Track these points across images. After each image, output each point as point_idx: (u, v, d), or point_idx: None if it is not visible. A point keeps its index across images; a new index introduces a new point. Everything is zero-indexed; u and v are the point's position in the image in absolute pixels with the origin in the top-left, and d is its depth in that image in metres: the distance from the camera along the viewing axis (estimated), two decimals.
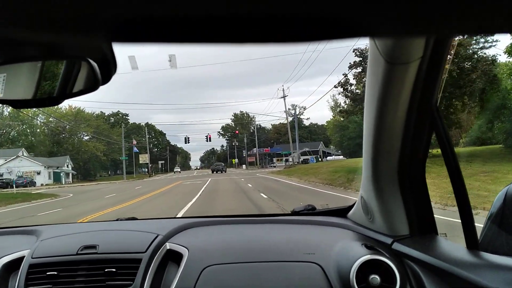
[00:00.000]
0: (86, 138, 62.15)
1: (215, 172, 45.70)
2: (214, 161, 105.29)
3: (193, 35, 0.33)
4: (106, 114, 77.38)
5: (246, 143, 77.17)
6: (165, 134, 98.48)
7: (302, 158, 53.93)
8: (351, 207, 1.90)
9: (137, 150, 64.20)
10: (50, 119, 55.75)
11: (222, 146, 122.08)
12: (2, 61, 0.71)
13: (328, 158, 46.85)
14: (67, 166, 51.18)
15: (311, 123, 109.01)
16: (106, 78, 0.67)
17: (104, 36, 0.33)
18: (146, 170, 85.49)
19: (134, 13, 0.30)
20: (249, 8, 0.29)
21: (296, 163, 44.03)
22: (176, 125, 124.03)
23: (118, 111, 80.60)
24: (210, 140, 47.22)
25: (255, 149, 72.28)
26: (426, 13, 0.30)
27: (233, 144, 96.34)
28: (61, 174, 47.36)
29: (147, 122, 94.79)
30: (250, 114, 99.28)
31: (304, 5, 0.29)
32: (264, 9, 0.30)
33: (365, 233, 1.64)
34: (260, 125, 72.06)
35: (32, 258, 1.56)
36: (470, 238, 1.19)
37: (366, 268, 1.34)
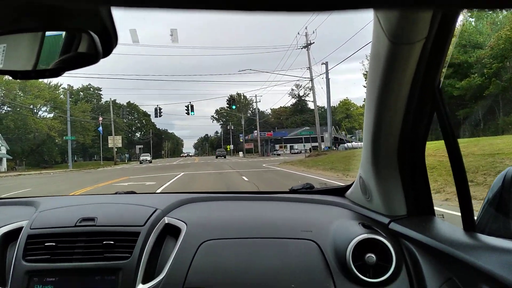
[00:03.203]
0: (46, 114, 45.18)
1: (218, 157, 57.43)
2: (207, 148, 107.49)
3: (195, 1, 0.32)
4: (74, 88, 59.65)
5: (243, 125, 60.24)
6: (149, 115, 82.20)
7: (311, 145, 48.77)
8: (349, 186, 1.99)
9: (102, 131, 55.18)
10: None
11: (217, 132, 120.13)
12: (2, 31, 0.71)
13: (347, 145, 32.28)
14: None
15: (317, 106, 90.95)
16: (107, 51, 0.67)
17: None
18: (128, 155, 67.13)
19: None
20: None
21: (327, 148, 28.03)
22: (167, 113, 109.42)
23: (89, 84, 63.74)
24: (192, 110, 38.10)
25: (254, 133, 55.57)
26: None
27: (228, 128, 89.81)
28: None
29: (129, 102, 77.20)
30: (248, 97, 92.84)
31: None
32: None
33: (363, 213, 1.75)
34: (258, 108, 56.90)
35: (30, 229, 1.66)
36: (467, 219, 1.27)
37: (363, 247, 1.44)
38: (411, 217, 1.52)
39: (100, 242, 1.57)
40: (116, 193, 2.28)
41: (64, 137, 44.50)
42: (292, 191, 2.18)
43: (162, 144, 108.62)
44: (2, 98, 47.47)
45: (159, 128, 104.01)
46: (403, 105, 1.33)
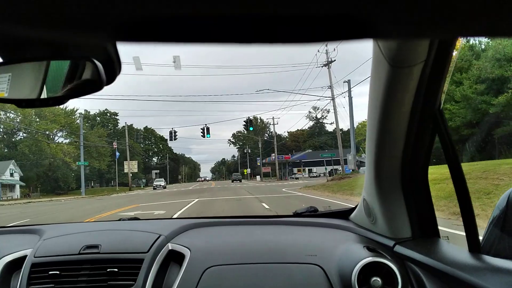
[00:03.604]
0: (62, 139, 44.83)
1: (234, 181, 59.95)
2: (224, 172, 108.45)
3: (197, 35, 0.33)
4: (90, 113, 59.52)
5: (260, 148, 58.92)
6: (166, 139, 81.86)
7: (330, 168, 47.30)
8: (353, 209, 1.99)
9: (117, 156, 54.43)
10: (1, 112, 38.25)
11: (233, 156, 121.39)
12: (8, 60, 0.74)
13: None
14: (11, 174, 33.47)
15: (335, 128, 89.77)
16: (110, 78, 0.69)
17: (108, 35, 0.33)
18: (144, 180, 66.09)
19: (138, 12, 0.30)
20: (254, 8, 0.30)
21: (350, 171, 26.50)
22: (184, 137, 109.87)
23: (106, 109, 63.59)
24: (208, 133, 36.71)
25: (272, 156, 54.05)
26: (430, 15, 0.31)
27: (245, 151, 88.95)
28: None
29: (146, 126, 76.99)
30: (264, 120, 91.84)
31: (308, 5, 0.30)
32: (269, 9, 0.30)
33: (367, 235, 1.74)
34: (276, 131, 55.99)
35: (34, 257, 1.68)
36: (472, 241, 1.28)
37: (368, 270, 1.44)
38: (416, 240, 1.53)
39: (104, 270, 1.59)
40: (120, 220, 2.29)
41: (77, 162, 43.61)
42: (296, 214, 2.20)
43: (179, 169, 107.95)
44: (18, 125, 47.15)
45: (176, 153, 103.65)
46: (404, 128, 1.35)
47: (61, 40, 0.52)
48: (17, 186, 42.11)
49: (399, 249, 1.51)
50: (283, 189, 26.33)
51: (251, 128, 35.70)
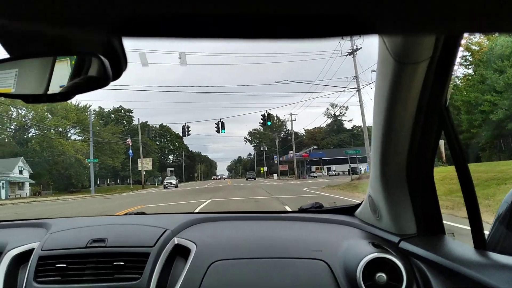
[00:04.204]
0: (75, 136, 43.70)
1: (249, 179, 62.73)
2: (240, 170, 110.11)
3: (202, 30, 0.33)
4: (104, 110, 58.59)
5: (278, 146, 56.98)
6: (182, 137, 79.98)
7: (351, 166, 44.02)
8: (358, 205, 2.00)
9: (132, 153, 52.13)
10: (12, 108, 37.08)
11: (250, 154, 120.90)
12: (15, 56, 0.76)
13: None
14: (20, 171, 32.04)
15: (354, 125, 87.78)
16: (116, 74, 0.70)
17: (113, 30, 0.33)
18: (160, 178, 64.91)
19: (144, 8, 0.30)
20: (258, 6, 0.30)
21: None
22: (200, 135, 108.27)
23: (120, 106, 62.48)
24: (223, 128, 33.81)
25: (290, 153, 51.70)
26: (435, 11, 0.30)
27: (262, 149, 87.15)
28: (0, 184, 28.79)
29: (162, 124, 75.83)
30: (280, 118, 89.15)
31: (309, 5, 0.30)
32: (272, 6, 0.30)
33: (372, 232, 1.76)
34: (293, 128, 53.75)
35: (41, 250, 1.70)
36: (478, 238, 1.29)
37: (373, 266, 1.45)
38: (421, 236, 1.53)
39: (111, 263, 1.61)
40: (126, 214, 2.33)
41: (87, 159, 41.97)
42: (301, 210, 2.22)
43: (195, 167, 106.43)
44: (29, 121, 45.84)
45: (191, 151, 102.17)
46: (410, 124, 1.36)
47: (67, 36, 0.55)
48: (27, 184, 40.84)
49: (404, 245, 1.52)
50: (304, 189, 25.03)
51: (268, 123, 33.25)
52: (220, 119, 33.31)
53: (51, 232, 1.84)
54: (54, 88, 0.78)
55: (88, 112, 52.69)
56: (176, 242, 1.74)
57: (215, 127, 33.94)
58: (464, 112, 26.11)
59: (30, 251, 1.71)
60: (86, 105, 55.23)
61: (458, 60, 1.22)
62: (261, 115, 32.41)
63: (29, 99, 0.82)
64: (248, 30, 0.33)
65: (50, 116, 48.04)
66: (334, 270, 1.50)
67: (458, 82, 26.55)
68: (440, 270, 1.29)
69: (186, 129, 38.11)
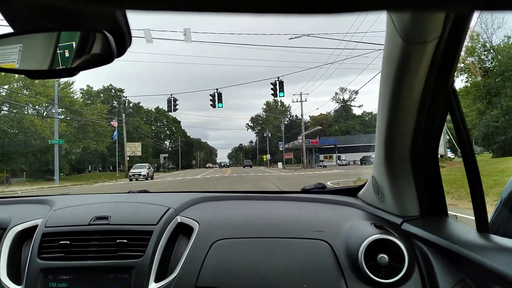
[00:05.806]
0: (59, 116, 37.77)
1: (245, 167, 68.80)
2: (241, 158, 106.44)
3: (207, 3, 0.32)
4: (93, 89, 52.33)
5: (283, 131, 50.40)
6: (179, 122, 73.07)
7: (362, 155, 44.28)
8: (361, 186, 2.03)
9: (116, 136, 45.67)
10: None
11: (251, 141, 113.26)
12: (19, 31, 0.77)
13: None
14: None
15: (364, 111, 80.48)
16: (121, 51, 0.71)
17: (119, 3, 0.33)
18: (156, 166, 57.90)
19: None
20: None
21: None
22: (201, 122, 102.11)
23: (111, 84, 56.04)
24: (220, 101, 26.27)
25: (299, 138, 45.19)
26: None
27: (265, 135, 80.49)
28: None
29: (158, 107, 69.64)
30: (285, 104, 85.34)
31: None
32: None
33: (375, 213, 1.78)
34: (296, 115, 48.80)
35: (45, 227, 1.74)
36: (481, 220, 1.32)
37: (375, 247, 1.49)
38: (424, 218, 1.57)
39: (114, 241, 1.65)
40: (129, 192, 2.37)
41: (50, 140, 35.36)
42: (304, 191, 2.24)
43: (193, 153, 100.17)
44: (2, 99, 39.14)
45: (190, 136, 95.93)
46: (416, 105, 1.38)
47: (72, 10, 0.53)
48: None
49: (406, 226, 1.55)
50: (329, 183, 18.37)
51: (281, 94, 26.12)
52: (217, 89, 26.21)
53: (54, 209, 1.88)
54: (58, 64, 0.77)
55: (72, 89, 46.00)
56: (179, 221, 1.77)
57: (210, 99, 26.82)
58: None
59: (34, 227, 1.76)
60: (68, 81, 48.69)
61: (466, 40, 1.30)
62: (271, 83, 25.49)
63: (33, 74, 0.81)
64: (256, 3, 0.32)
65: (26, 92, 41.39)
66: (336, 251, 1.54)
67: None
68: (442, 252, 1.33)
69: (173, 102, 30.70)
